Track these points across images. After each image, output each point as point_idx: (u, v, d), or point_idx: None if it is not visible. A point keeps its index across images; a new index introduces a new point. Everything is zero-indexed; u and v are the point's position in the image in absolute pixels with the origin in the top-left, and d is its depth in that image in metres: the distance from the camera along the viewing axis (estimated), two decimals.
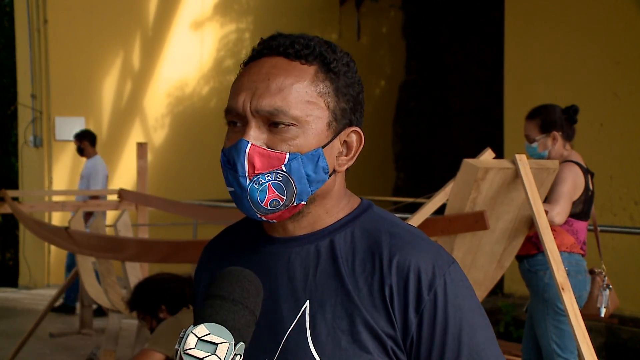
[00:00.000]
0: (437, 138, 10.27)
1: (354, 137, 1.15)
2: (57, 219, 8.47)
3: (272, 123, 1.08)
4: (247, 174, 1.08)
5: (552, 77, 6.84)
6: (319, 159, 1.10)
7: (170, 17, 9.61)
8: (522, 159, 3.03)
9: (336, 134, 1.12)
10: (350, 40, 10.64)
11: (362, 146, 1.16)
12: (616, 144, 6.36)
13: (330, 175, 1.13)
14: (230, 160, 1.09)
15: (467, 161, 2.96)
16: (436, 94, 10.28)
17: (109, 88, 9.23)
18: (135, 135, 9.23)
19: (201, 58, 9.81)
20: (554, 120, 3.66)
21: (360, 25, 10.87)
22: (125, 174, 8.99)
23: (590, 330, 3.05)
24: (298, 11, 10.24)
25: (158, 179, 8.99)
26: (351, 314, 1.08)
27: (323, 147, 1.10)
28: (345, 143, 1.15)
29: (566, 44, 6.79)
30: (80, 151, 7.49)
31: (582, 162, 3.63)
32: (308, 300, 1.11)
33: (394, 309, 1.07)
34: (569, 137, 3.70)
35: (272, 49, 1.12)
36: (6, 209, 6.39)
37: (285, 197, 1.09)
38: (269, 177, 1.08)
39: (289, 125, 1.07)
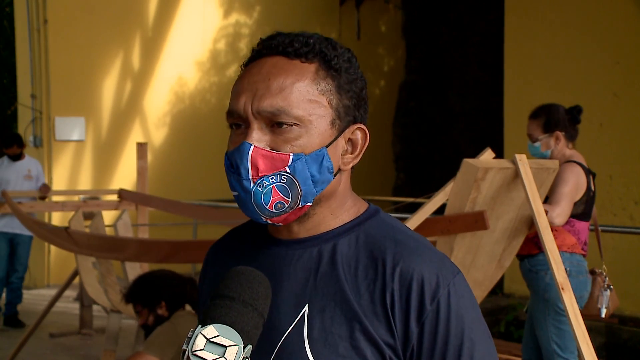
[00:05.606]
0: (437, 138, 10.27)
1: (358, 134, 1.13)
2: (57, 219, 8.48)
3: (275, 124, 1.05)
4: (250, 177, 1.05)
5: (552, 77, 6.83)
6: (323, 158, 1.07)
7: (170, 17, 9.61)
8: (522, 159, 3.03)
9: (340, 132, 1.10)
10: (350, 39, 10.64)
11: (367, 143, 1.13)
12: (616, 144, 6.36)
13: (335, 175, 1.10)
14: (233, 163, 1.07)
15: (467, 161, 2.96)
16: (436, 94, 10.27)
17: (109, 88, 9.22)
18: (135, 135, 9.23)
19: (201, 58, 9.82)
20: (557, 119, 3.66)
21: (360, 24, 10.88)
22: (125, 174, 8.99)
23: (590, 330, 3.05)
24: (298, 10, 10.24)
25: (158, 179, 8.99)
26: (350, 320, 1.06)
27: (327, 146, 1.08)
28: (350, 141, 1.12)
29: (566, 44, 6.79)
30: (19, 156, 7.20)
31: (584, 163, 3.63)
32: (308, 304, 1.09)
33: (395, 317, 1.05)
34: (571, 137, 3.70)
35: (271, 48, 1.10)
36: (6, 209, 6.40)
37: (290, 200, 1.07)
38: (273, 180, 1.05)
39: (291, 126, 1.05)
